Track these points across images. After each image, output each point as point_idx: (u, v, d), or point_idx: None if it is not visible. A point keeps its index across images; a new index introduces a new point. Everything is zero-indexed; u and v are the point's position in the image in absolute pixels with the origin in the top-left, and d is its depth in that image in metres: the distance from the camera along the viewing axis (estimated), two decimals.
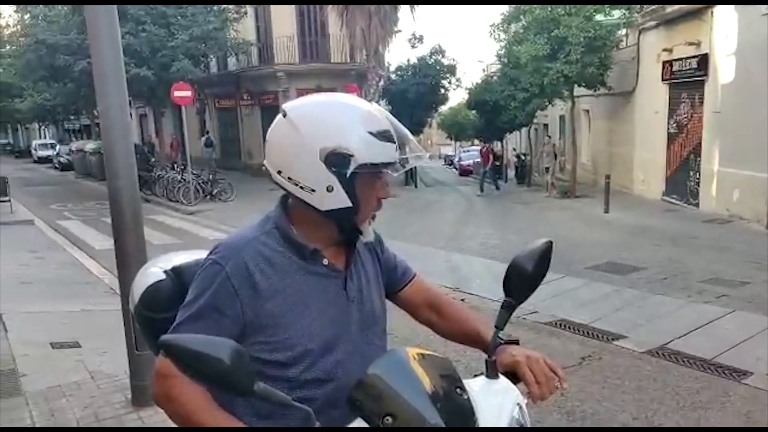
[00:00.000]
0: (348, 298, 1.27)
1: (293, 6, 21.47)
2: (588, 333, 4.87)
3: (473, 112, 29.30)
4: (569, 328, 5.01)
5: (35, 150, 37.83)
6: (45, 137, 45.03)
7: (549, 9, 15.10)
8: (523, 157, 25.34)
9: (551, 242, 1.29)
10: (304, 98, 1.24)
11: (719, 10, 11.14)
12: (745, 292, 5.89)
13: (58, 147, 34.22)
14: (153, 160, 20.02)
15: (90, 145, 24.31)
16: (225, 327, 1.14)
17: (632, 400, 3.59)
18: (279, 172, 1.20)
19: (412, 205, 15.66)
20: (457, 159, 42.07)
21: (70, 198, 16.89)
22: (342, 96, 1.25)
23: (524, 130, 25.67)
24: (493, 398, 1.13)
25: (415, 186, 24.81)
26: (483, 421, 1.06)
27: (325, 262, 1.25)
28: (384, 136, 1.16)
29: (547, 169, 18.00)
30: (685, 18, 12.28)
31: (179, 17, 17.39)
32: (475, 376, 1.19)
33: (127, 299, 3.14)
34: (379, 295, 1.37)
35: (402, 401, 1.00)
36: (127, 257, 3.16)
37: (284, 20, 21.51)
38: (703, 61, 11.73)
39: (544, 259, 1.27)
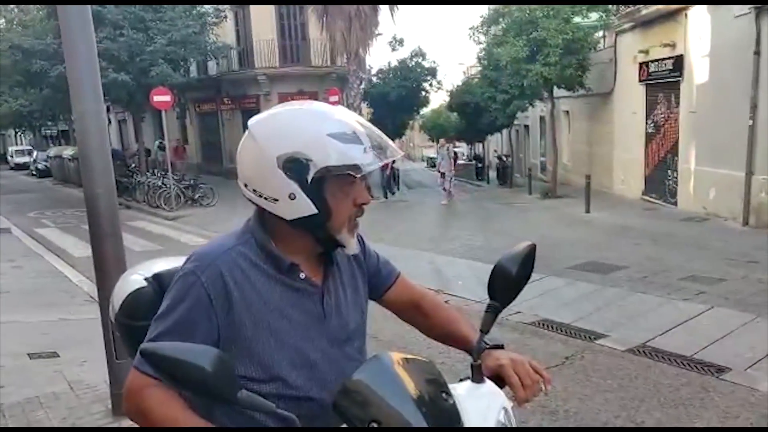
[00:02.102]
0: (324, 314, 1.23)
1: (273, 9, 21.40)
2: (571, 332, 4.91)
3: (454, 114, 29.53)
4: (552, 327, 5.05)
5: (11, 157, 37.20)
6: (21, 143, 44.22)
7: (527, 11, 15.28)
8: (504, 159, 25.54)
9: (534, 245, 1.28)
10: (271, 110, 1.22)
11: (693, 12, 11.36)
12: (722, 289, 5.99)
13: (35, 153, 33.64)
14: (133, 165, 19.77)
15: (68, 151, 23.94)
16: (200, 340, 1.11)
17: (614, 398, 3.63)
18: (245, 186, 1.18)
19: (394, 208, 15.68)
20: (439, 161, 42.27)
21: (48, 205, 16.61)
22: (305, 103, 1.21)
23: (505, 131, 25.92)
24: (479, 402, 1.13)
25: (398, 188, 24.88)
26: (469, 426, 1.07)
27: (303, 276, 1.21)
28: (346, 137, 1.12)
29: (443, 174, 17.55)
30: (660, 20, 12.49)
31: (158, 21, 17.21)
32: (461, 380, 1.18)
33: (106, 307, 3.10)
34: (359, 307, 1.34)
35: (387, 406, 0.99)
36: (106, 265, 3.11)
37: (264, 24, 21.43)
38: (678, 62, 11.94)
39: (527, 261, 1.26)
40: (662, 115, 13.17)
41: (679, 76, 11.99)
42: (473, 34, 19.35)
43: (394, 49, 23.82)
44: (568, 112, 19.42)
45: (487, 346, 1.25)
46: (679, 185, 12.33)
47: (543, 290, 6.19)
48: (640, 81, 13.76)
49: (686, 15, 11.59)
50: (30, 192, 21.53)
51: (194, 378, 0.91)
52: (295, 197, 1.12)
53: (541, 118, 22.02)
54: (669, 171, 12.85)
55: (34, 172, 30.42)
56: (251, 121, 1.19)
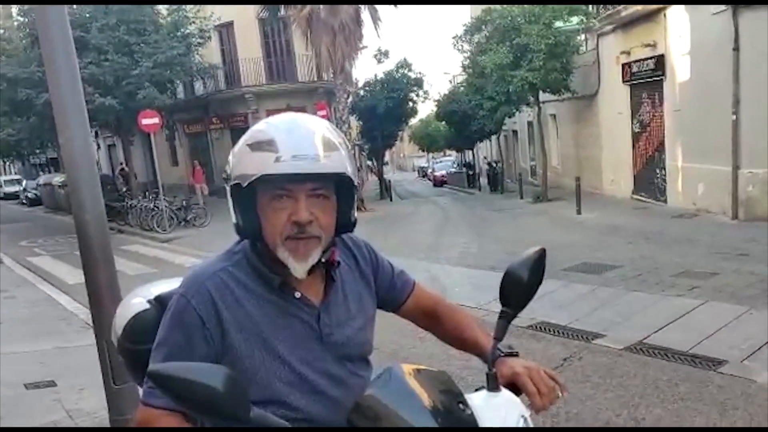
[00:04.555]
0: (322, 335, 1.20)
1: (257, 27, 21.54)
2: (568, 334, 4.92)
3: (443, 123, 29.68)
4: (549, 330, 5.07)
5: (1, 187, 36.97)
6: (10, 173, 44.00)
7: (509, 18, 15.45)
8: (494, 165, 25.67)
9: (544, 249, 1.26)
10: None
11: (672, 11, 11.53)
12: (715, 283, 6.04)
13: (24, 182, 33.49)
14: (125, 190, 19.71)
15: (58, 178, 23.83)
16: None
17: (614, 396, 3.64)
18: None
19: (389, 219, 15.70)
20: (430, 170, 42.44)
21: (40, 233, 16.50)
22: (275, 117, 1.18)
23: (494, 138, 26.07)
24: (497, 411, 1.10)
25: (390, 199, 24.92)
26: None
27: (297, 295, 1.18)
28: (260, 145, 1.08)
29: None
30: (640, 21, 12.67)
31: (142, 45, 17.25)
32: (477, 390, 1.17)
33: (102, 333, 3.09)
34: (365, 322, 1.30)
35: (401, 421, 0.97)
36: (99, 291, 3.10)
37: (249, 42, 21.56)
38: (660, 61, 12.10)
39: (538, 266, 1.24)
40: (647, 115, 13.32)
41: (662, 75, 12.14)
42: (457, 43, 19.52)
43: (379, 62, 23.94)
44: (554, 115, 19.57)
45: (502, 354, 1.24)
46: (668, 183, 12.43)
47: (539, 293, 6.06)
48: (623, 82, 13.92)
49: (665, 15, 11.77)
50: (21, 221, 21.40)
51: (205, 398, 0.88)
52: (231, 211, 1.15)
53: (529, 123, 22.18)
54: (657, 169, 12.97)
55: (24, 201, 30.26)
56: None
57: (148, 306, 1.44)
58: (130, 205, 16.70)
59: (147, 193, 17.32)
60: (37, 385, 4.35)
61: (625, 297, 5.91)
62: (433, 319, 1.44)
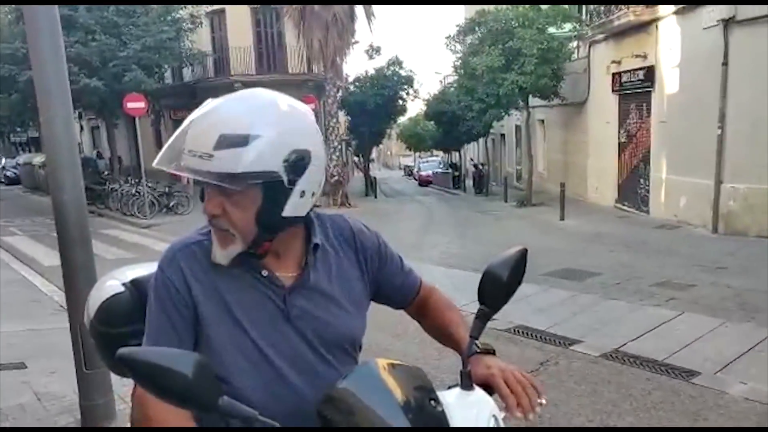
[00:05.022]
0: (290, 316, 1.17)
1: (249, 16, 21.33)
2: (545, 338, 4.95)
3: (431, 122, 29.72)
4: (527, 334, 5.09)
5: None
6: None
7: (503, 21, 15.49)
8: (480, 167, 25.77)
9: (526, 249, 1.24)
10: None
11: (664, 23, 11.66)
12: (692, 295, 6.12)
13: (3, 160, 32.89)
14: (106, 173, 19.43)
15: (38, 158, 23.39)
16: (183, 334, 1.13)
17: (588, 403, 3.66)
18: None
19: (372, 216, 15.68)
20: (416, 169, 42.50)
21: (17, 213, 16.19)
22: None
23: (481, 140, 26.16)
24: (468, 410, 1.09)
25: (375, 196, 24.89)
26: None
27: (265, 273, 1.16)
28: (175, 139, 1.07)
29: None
30: (632, 31, 12.78)
31: (131, 26, 16.98)
32: (450, 387, 1.16)
33: (75, 316, 3.03)
34: (354, 312, 1.25)
35: (372, 415, 0.96)
36: (75, 273, 3.04)
37: (240, 31, 21.33)
38: (650, 72, 12.22)
39: (518, 266, 1.22)
40: (634, 125, 13.45)
41: (651, 87, 12.27)
42: (450, 43, 19.51)
43: (371, 58, 23.80)
44: (543, 121, 19.70)
45: (477, 351, 1.21)
46: (651, 193, 12.58)
47: (518, 297, 6.12)
48: (613, 91, 14.05)
49: (657, 26, 11.89)
50: None
51: (174, 385, 0.86)
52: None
53: (517, 127, 22.30)
54: (641, 179, 13.11)
55: (2, 180, 29.72)
56: None
57: (122, 289, 1.42)
58: (111, 188, 16.46)
59: (129, 178, 17.08)
60: (6, 366, 4.26)
61: (603, 304, 5.97)
62: (423, 311, 1.42)
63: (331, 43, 17.37)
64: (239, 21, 21.27)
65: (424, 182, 35.55)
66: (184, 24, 19.22)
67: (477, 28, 16.94)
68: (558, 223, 12.47)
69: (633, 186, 13.54)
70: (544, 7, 15.40)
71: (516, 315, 5.55)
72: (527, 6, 15.57)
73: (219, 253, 1.13)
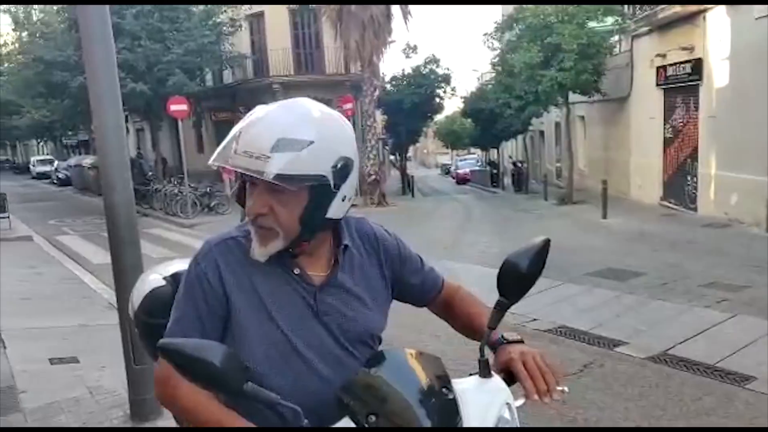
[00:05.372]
0: (316, 310, 1.23)
1: (287, 18, 21.62)
2: (589, 340, 4.84)
3: (469, 120, 29.49)
4: (570, 335, 4.99)
5: (33, 166, 37.91)
6: (43, 153, 45.06)
7: (542, 17, 15.23)
8: (519, 165, 25.42)
9: (548, 240, 1.24)
10: None
11: (712, 14, 11.23)
12: (745, 296, 5.87)
13: (56, 163, 34.31)
14: (150, 174, 20.04)
15: (88, 160, 24.33)
16: (209, 324, 1.20)
17: (635, 407, 3.56)
18: None
19: (410, 215, 15.67)
20: (453, 167, 42.23)
21: (68, 213, 16.87)
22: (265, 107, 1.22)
23: (520, 137, 25.81)
24: (482, 397, 1.12)
25: (412, 195, 24.87)
26: (467, 420, 1.07)
27: (297, 271, 1.23)
28: (229, 140, 1.13)
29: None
30: (678, 23, 12.37)
31: (174, 32, 17.48)
32: (471, 374, 1.18)
33: (125, 313, 3.13)
34: (376, 309, 1.32)
35: (386, 401, 1.03)
36: (124, 271, 3.14)
37: (279, 33, 21.64)
38: (697, 65, 11.80)
39: (539, 257, 1.21)
40: (681, 120, 13.02)
41: (699, 80, 11.84)
42: (487, 40, 19.31)
43: (407, 57, 23.99)
44: (583, 117, 19.28)
45: (505, 341, 1.24)
46: (699, 190, 12.15)
47: (560, 297, 6.13)
48: (657, 85, 13.63)
49: (704, 18, 11.47)
50: (51, 200, 21.91)
51: (204, 372, 0.98)
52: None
53: (557, 124, 21.89)
54: (688, 176, 12.68)
55: (55, 181, 31.00)
56: None
57: (164, 282, 1.52)
58: (155, 189, 16.95)
59: (172, 179, 17.57)
60: (61, 360, 4.44)
61: (649, 305, 5.79)
62: (450, 309, 1.46)
63: (368, 43, 17.44)
64: (278, 23, 21.58)
65: (461, 180, 35.30)
66: (225, 28, 19.65)
67: (515, 25, 16.70)
68: (600, 222, 12.18)
69: (679, 183, 13.11)
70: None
71: (558, 315, 5.47)
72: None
73: (258, 250, 1.19)
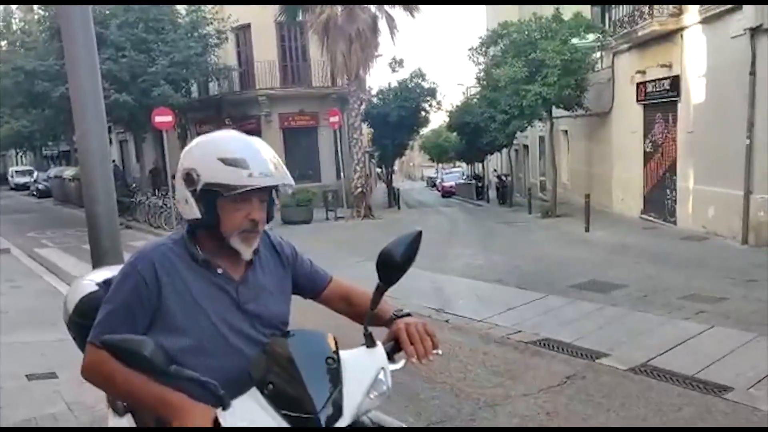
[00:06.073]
0: (239, 301, 1.49)
1: (274, 31, 21.68)
2: (572, 351, 4.87)
3: (454, 134, 29.70)
4: (553, 347, 5.02)
5: (12, 177, 37.31)
6: (22, 164, 44.41)
7: (526, 33, 15.49)
8: (504, 178, 25.62)
9: (420, 232, 1.50)
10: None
11: (689, 32, 11.52)
12: (723, 308, 5.98)
13: (35, 174, 33.78)
14: (134, 185, 19.85)
15: (69, 172, 24.02)
16: (141, 316, 1.41)
17: (617, 417, 3.60)
18: None
19: (395, 227, 15.69)
20: (439, 180, 42.46)
21: (48, 225, 16.61)
22: (216, 133, 1.49)
23: (505, 151, 26.06)
24: (362, 363, 1.38)
25: (398, 208, 24.91)
26: (347, 383, 1.32)
27: (219, 271, 1.49)
28: (232, 162, 1.37)
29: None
30: (657, 41, 12.66)
31: (160, 43, 17.42)
32: (361, 346, 1.43)
33: None
34: (281, 300, 1.61)
35: (282, 371, 1.28)
36: None
37: (265, 45, 21.69)
38: (675, 82, 12.07)
39: (412, 247, 1.46)
40: (660, 135, 13.27)
41: (676, 96, 12.10)
42: (472, 55, 19.54)
43: (394, 70, 24.00)
44: (566, 131, 19.55)
45: (395, 317, 1.52)
46: (678, 204, 12.36)
47: (544, 309, 6.17)
48: (637, 101, 13.89)
49: (682, 36, 11.75)
50: (30, 212, 21.55)
51: (137, 360, 1.23)
52: (187, 202, 1.44)
53: (540, 138, 22.17)
54: (668, 190, 12.90)
55: (34, 193, 30.50)
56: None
57: (96, 288, 1.71)
58: (138, 201, 16.79)
59: (157, 191, 17.42)
60: (39, 376, 4.36)
61: (631, 317, 5.86)
62: (347, 303, 1.72)
63: (355, 57, 17.53)
64: (264, 35, 21.64)
65: (447, 193, 35.47)
66: (211, 39, 19.64)
67: (500, 40, 16.95)
68: (583, 235, 12.32)
69: (659, 197, 13.33)
70: (566, 17, 15.36)
71: (542, 327, 5.50)
72: (549, 17, 15.54)
73: (248, 251, 1.48)
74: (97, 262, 3.14)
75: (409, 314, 1.52)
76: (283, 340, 1.35)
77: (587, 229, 12.50)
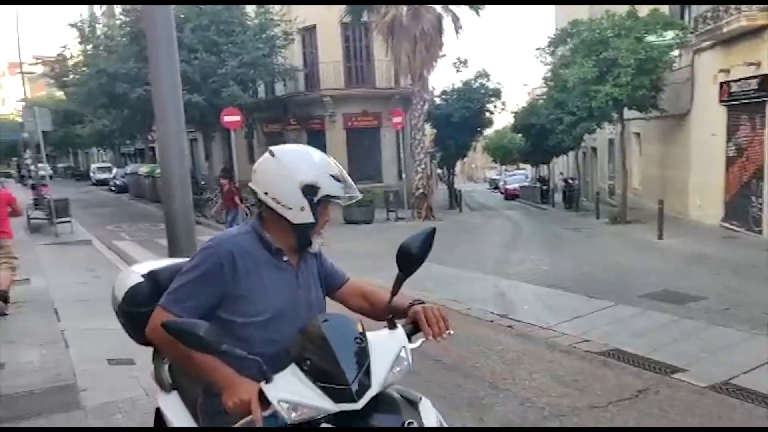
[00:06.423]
0: (298, 285, 1.78)
1: (339, 32, 21.98)
2: (644, 364, 4.64)
3: (519, 135, 29.09)
4: (623, 358, 4.80)
5: (94, 173, 39.62)
6: (103, 161, 47.14)
7: (597, 31, 14.93)
8: (570, 182, 24.86)
9: (434, 229, 1.72)
10: (285, 146, 1.78)
11: None
12: None
13: (114, 170, 35.79)
14: (203, 183, 20.63)
15: (143, 169, 25.31)
16: (210, 294, 1.63)
17: None
18: (266, 193, 1.69)
19: (457, 229, 15.54)
20: (502, 182, 41.73)
21: (124, 219, 17.56)
22: (310, 148, 1.76)
23: (571, 153, 25.25)
24: (385, 343, 1.60)
25: (460, 210, 24.67)
26: (374, 360, 1.52)
27: (285, 258, 1.76)
28: (336, 178, 1.70)
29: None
30: (743, 37, 11.88)
31: (229, 45, 18.05)
32: (384, 328, 1.67)
33: None
34: (318, 289, 1.87)
35: (320, 349, 1.47)
36: None
37: (330, 46, 22.02)
38: (764, 81, 11.28)
39: (427, 241, 1.69)
40: (745, 138, 12.45)
41: (766, 97, 11.32)
42: (540, 55, 19.05)
43: (458, 71, 23.80)
44: (639, 134, 18.73)
45: (413, 303, 1.76)
46: (765, 212, 11.55)
47: (613, 319, 5.93)
48: (720, 102, 13.09)
49: None
50: (109, 206, 22.87)
51: (193, 340, 1.41)
52: (304, 209, 1.68)
53: (610, 141, 21.34)
54: (753, 197, 12.08)
55: (112, 188, 32.34)
56: (276, 150, 1.72)
57: (142, 279, 1.92)
58: (207, 198, 17.43)
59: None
60: (118, 361, 4.58)
61: (709, 331, 5.52)
62: (364, 301, 1.92)
63: (419, 57, 17.50)
64: (329, 37, 21.97)
65: (510, 196, 34.81)
66: (278, 41, 20.15)
67: (569, 39, 16.42)
68: (655, 242, 11.75)
69: (743, 204, 12.50)
70: (642, 14, 14.69)
71: (611, 337, 5.28)
72: (624, 14, 14.91)
73: (317, 245, 1.78)
74: (174, 256, 3.26)
75: (423, 302, 1.76)
76: (318, 323, 1.53)
77: (660, 236, 11.91)
